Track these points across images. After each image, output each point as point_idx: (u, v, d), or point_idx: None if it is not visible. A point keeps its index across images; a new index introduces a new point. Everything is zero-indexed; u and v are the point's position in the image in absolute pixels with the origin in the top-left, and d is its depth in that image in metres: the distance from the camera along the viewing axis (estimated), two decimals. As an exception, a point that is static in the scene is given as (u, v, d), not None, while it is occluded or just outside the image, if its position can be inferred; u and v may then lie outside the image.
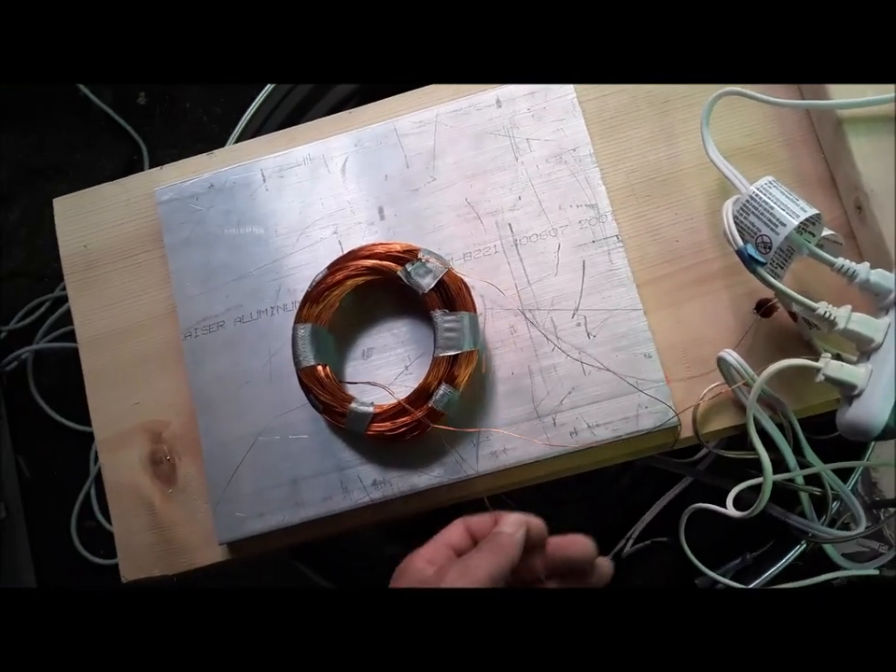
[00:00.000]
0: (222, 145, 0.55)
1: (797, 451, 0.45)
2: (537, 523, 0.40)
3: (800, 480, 0.46)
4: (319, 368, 0.46)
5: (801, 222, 0.40)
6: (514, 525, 0.39)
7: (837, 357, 0.41)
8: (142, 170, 0.54)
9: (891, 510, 0.75)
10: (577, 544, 0.39)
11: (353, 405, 0.46)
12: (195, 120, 1.19)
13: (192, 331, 0.50)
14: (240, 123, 0.62)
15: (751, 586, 0.53)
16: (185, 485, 0.50)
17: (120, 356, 0.52)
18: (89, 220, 0.54)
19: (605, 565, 0.40)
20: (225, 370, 0.49)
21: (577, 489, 0.80)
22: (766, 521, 0.48)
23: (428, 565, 0.38)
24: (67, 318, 1.12)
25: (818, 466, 0.45)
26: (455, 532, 0.40)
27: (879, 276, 0.41)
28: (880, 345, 0.39)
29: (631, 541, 0.68)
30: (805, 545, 0.50)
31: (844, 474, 0.54)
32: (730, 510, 0.44)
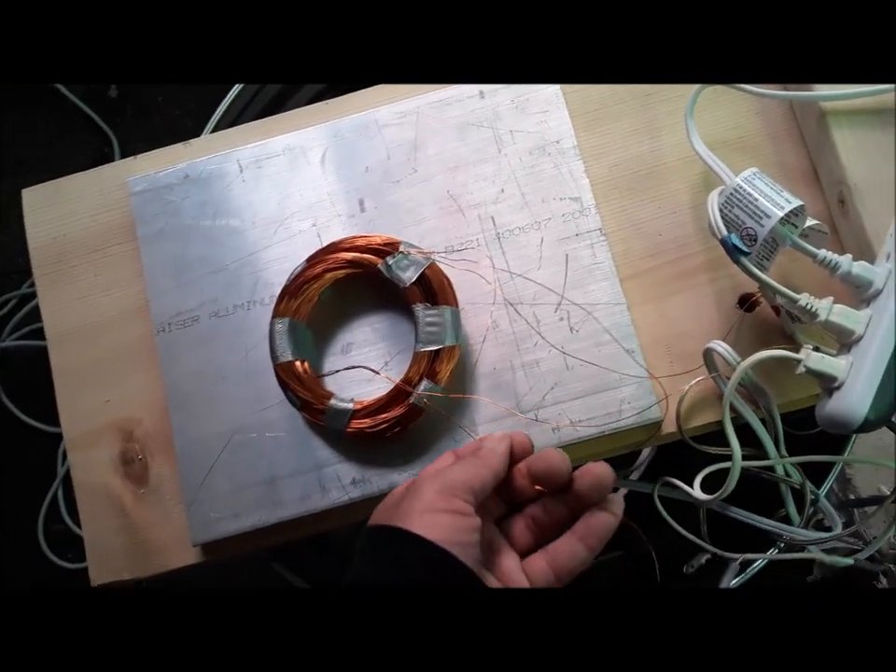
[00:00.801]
0: (195, 137, 0.54)
1: (777, 447, 0.45)
2: (521, 438, 0.40)
3: (780, 472, 0.45)
4: (297, 363, 0.45)
5: (786, 214, 0.40)
6: (497, 439, 0.39)
7: (817, 349, 0.40)
8: (111, 161, 0.53)
9: (866, 509, 0.76)
10: (552, 453, 0.38)
11: (332, 401, 0.44)
12: (168, 114, 1.17)
13: (166, 326, 0.49)
14: (216, 113, 0.60)
15: (731, 584, 0.53)
16: (157, 485, 0.49)
17: (91, 352, 0.50)
18: (59, 212, 0.52)
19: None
20: (200, 366, 0.48)
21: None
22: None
23: (397, 498, 0.37)
24: (34, 316, 1.10)
25: (778, 460, 0.44)
26: (442, 460, 0.40)
27: (861, 268, 0.40)
28: (861, 337, 0.39)
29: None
30: (779, 549, 0.50)
31: (821, 476, 0.54)
32: (696, 491, 0.44)
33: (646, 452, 0.68)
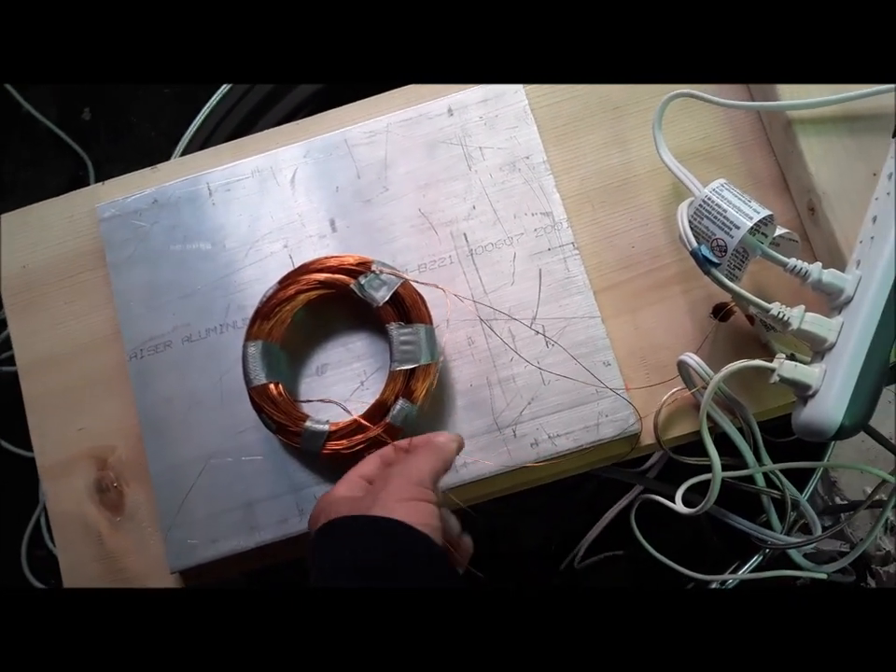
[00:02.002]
0: (170, 159, 0.53)
1: (756, 455, 0.45)
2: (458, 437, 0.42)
3: (761, 482, 0.45)
4: (271, 386, 0.45)
5: (754, 224, 0.40)
6: (448, 435, 0.41)
7: (792, 357, 0.40)
8: (87, 184, 0.52)
9: (850, 512, 0.76)
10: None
11: (307, 423, 0.44)
12: (141, 135, 1.16)
13: (138, 352, 0.48)
14: (185, 136, 0.60)
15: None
16: (133, 513, 0.48)
17: (63, 379, 0.50)
18: (28, 239, 0.52)
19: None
20: (173, 391, 0.47)
21: (539, 498, 0.80)
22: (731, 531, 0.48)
23: (348, 497, 0.38)
24: (7, 342, 1.08)
25: (757, 469, 0.44)
26: (369, 464, 0.41)
27: (831, 276, 0.41)
28: (834, 345, 0.39)
29: (580, 554, 0.67)
30: (764, 554, 0.50)
31: (805, 479, 0.54)
32: (678, 505, 0.44)
33: (657, 455, 0.67)
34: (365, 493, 0.38)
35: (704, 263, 0.41)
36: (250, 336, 0.45)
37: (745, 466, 0.45)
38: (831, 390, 0.39)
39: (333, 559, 0.35)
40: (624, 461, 0.49)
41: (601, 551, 0.73)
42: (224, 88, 0.63)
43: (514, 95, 0.50)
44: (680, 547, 0.56)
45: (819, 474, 0.53)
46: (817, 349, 0.41)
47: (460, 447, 0.41)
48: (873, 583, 0.79)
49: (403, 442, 0.42)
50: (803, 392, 0.40)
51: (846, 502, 0.79)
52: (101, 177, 1.12)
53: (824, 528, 0.48)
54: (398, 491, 0.36)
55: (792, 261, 0.41)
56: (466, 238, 0.48)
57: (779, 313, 0.40)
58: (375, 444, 0.44)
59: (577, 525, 0.78)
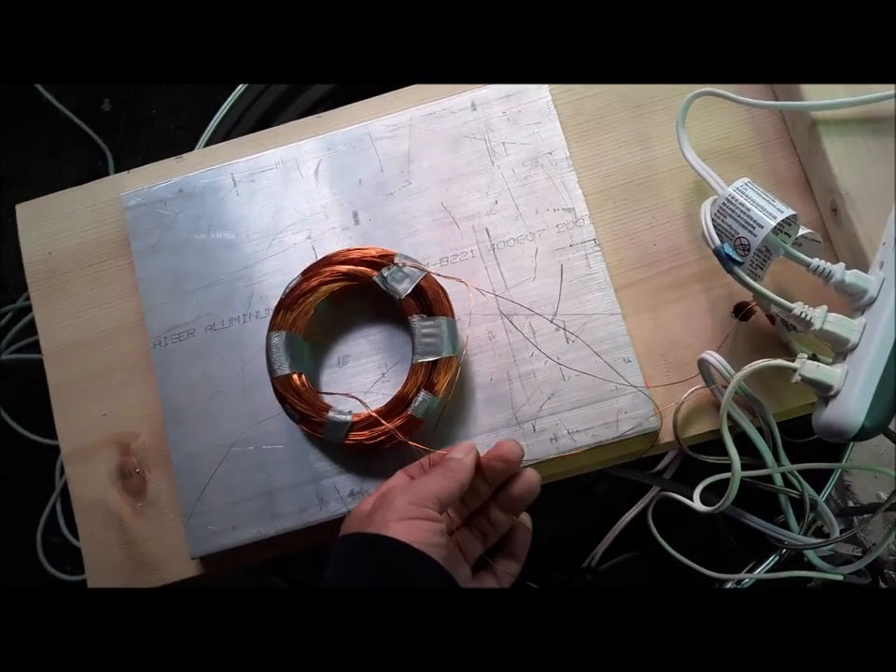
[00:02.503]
0: (189, 151, 0.54)
1: (775, 455, 0.45)
2: (507, 448, 0.43)
3: (779, 482, 0.46)
4: (295, 376, 0.45)
5: (778, 223, 0.40)
6: (464, 450, 0.42)
7: (813, 357, 0.40)
8: (106, 175, 0.53)
9: (864, 515, 0.75)
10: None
11: (330, 414, 0.44)
12: (161, 127, 1.17)
13: (161, 340, 0.49)
14: (209, 127, 0.60)
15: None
16: (155, 499, 0.48)
17: (87, 366, 0.50)
18: (53, 227, 0.52)
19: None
20: (196, 379, 0.48)
21: (552, 497, 0.80)
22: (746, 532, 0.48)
23: (363, 511, 0.40)
24: (30, 329, 1.09)
25: (776, 469, 0.44)
26: (395, 481, 0.42)
27: (854, 277, 0.41)
28: (856, 346, 0.39)
29: (598, 556, 0.67)
30: (780, 554, 0.50)
31: (821, 481, 0.54)
32: (696, 503, 0.44)
33: (670, 455, 0.67)
34: (365, 511, 0.40)
35: (727, 262, 0.41)
36: (274, 326, 0.46)
37: (763, 466, 0.45)
38: (852, 391, 0.39)
39: (334, 573, 0.37)
40: (639, 462, 0.49)
41: (616, 550, 0.73)
42: (239, 90, 0.63)
43: (537, 91, 0.50)
44: (696, 546, 0.56)
45: (837, 476, 0.53)
46: (839, 350, 0.41)
47: (476, 458, 0.42)
48: (885, 587, 0.79)
49: (426, 460, 0.43)
50: (824, 392, 0.40)
51: (859, 505, 0.79)
52: (120, 169, 1.13)
53: (840, 531, 0.48)
54: (396, 510, 0.37)
55: (816, 261, 0.41)
56: (488, 233, 0.48)
57: (802, 312, 0.40)
58: (397, 436, 0.44)
59: (590, 526, 0.78)
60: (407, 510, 0.37)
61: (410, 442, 0.44)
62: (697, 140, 0.49)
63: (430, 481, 0.39)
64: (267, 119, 0.66)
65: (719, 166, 0.47)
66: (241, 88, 0.64)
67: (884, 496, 0.76)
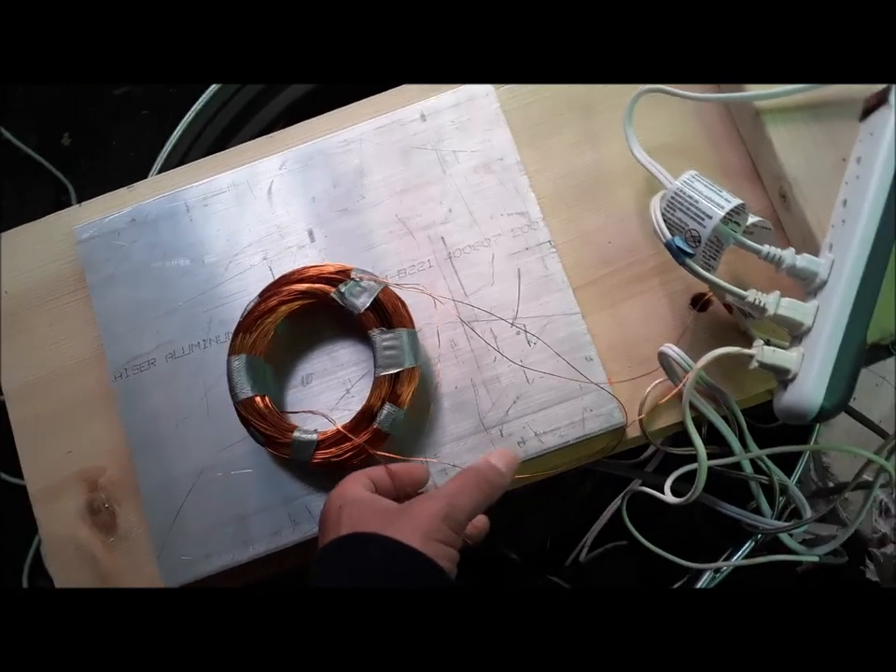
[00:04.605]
0: (141, 180, 0.53)
1: (742, 442, 0.45)
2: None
3: (748, 469, 0.46)
4: (258, 399, 0.45)
5: (726, 213, 0.41)
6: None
7: (769, 342, 0.41)
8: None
9: (838, 495, 0.76)
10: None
11: (296, 434, 0.44)
12: (122, 157, 1.16)
13: (122, 372, 0.48)
14: (161, 154, 0.60)
15: (707, 581, 0.53)
16: (126, 533, 0.48)
17: (49, 403, 0.50)
18: (8, 265, 0.52)
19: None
20: (160, 408, 0.48)
21: (540, 499, 0.80)
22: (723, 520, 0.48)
23: (370, 500, 0.39)
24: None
25: (743, 455, 0.44)
26: (377, 470, 0.42)
27: (805, 261, 0.41)
28: (810, 328, 0.40)
29: (586, 549, 0.68)
30: (756, 540, 0.50)
31: (795, 463, 0.54)
32: (667, 495, 0.44)
33: (652, 447, 0.67)
34: (389, 508, 0.39)
35: (678, 254, 0.41)
36: (234, 350, 0.46)
37: (732, 453, 0.45)
38: (809, 373, 0.39)
39: (354, 569, 0.35)
40: (624, 456, 0.49)
41: (604, 543, 0.73)
42: (197, 106, 0.63)
43: (486, 98, 0.50)
44: (676, 536, 0.57)
45: (807, 458, 0.53)
46: (794, 333, 0.41)
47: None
48: (871, 566, 0.80)
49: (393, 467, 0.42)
50: (782, 377, 0.40)
51: (836, 485, 0.80)
52: (83, 201, 1.13)
53: (815, 512, 0.48)
54: (433, 526, 0.36)
55: (766, 248, 0.42)
56: (444, 241, 0.49)
57: (755, 299, 0.41)
58: (364, 451, 0.44)
59: (579, 523, 0.79)
60: (441, 531, 0.36)
61: (378, 453, 0.44)
62: (646, 137, 0.49)
63: (468, 497, 0.38)
64: (221, 141, 0.66)
65: (668, 161, 0.48)
66: (192, 113, 0.64)
67: (865, 475, 0.77)
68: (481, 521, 0.43)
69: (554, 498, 0.80)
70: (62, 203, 1.16)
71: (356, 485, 0.40)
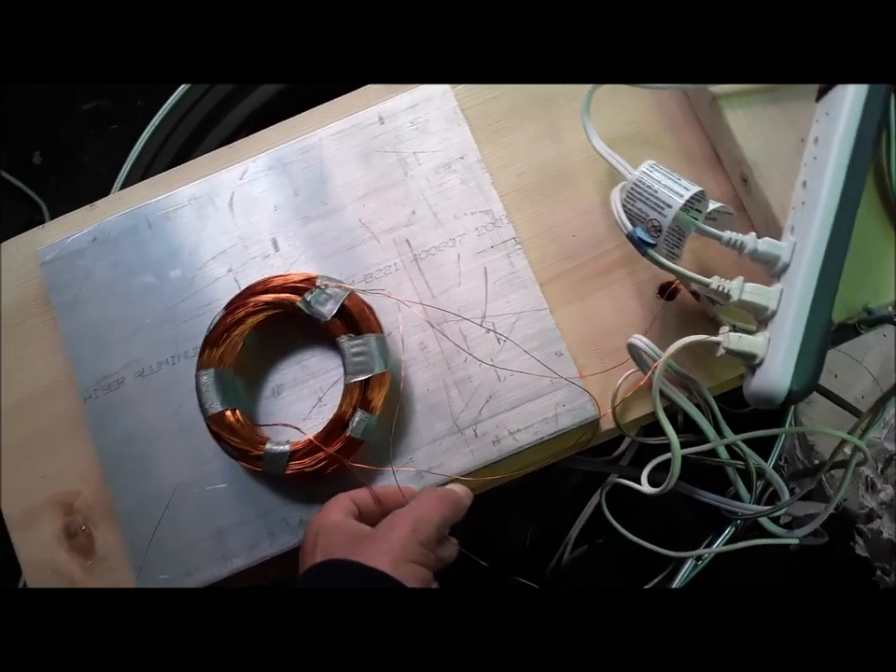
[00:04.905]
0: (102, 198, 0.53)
1: (717, 429, 0.45)
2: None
3: (723, 455, 0.46)
4: (228, 413, 0.44)
5: (686, 201, 0.41)
6: (465, 489, 0.43)
7: (734, 328, 0.41)
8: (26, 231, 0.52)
9: (832, 473, 0.76)
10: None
11: (268, 446, 0.44)
12: (94, 172, 1.15)
13: (92, 393, 0.48)
14: (122, 170, 0.60)
15: (689, 569, 0.53)
16: (105, 555, 0.47)
17: (20, 429, 0.49)
18: (-28, 290, 0.51)
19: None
20: (132, 428, 0.47)
21: (524, 499, 0.80)
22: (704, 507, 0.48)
23: (344, 527, 0.39)
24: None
25: (718, 442, 0.44)
26: (361, 493, 0.43)
27: (767, 245, 0.41)
28: (775, 312, 0.40)
29: (570, 547, 0.68)
30: (736, 525, 0.50)
31: (772, 447, 0.54)
32: (644, 486, 0.44)
33: (627, 440, 0.68)
34: (360, 533, 0.39)
35: (640, 245, 0.41)
36: (201, 365, 0.45)
37: (707, 440, 0.45)
38: (776, 357, 0.39)
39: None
40: (602, 450, 0.49)
41: (588, 541, 0.73)
42: (157, 119, 0.63)
43: (443, 98, 0.50)
44: (658, 526, 0.57)
45: (791, 438, 0.53)
46: (760, 318, 0.41)
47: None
48: (860, 542, 0.80)
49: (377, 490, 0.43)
50: (750, 362, 0.40)
51: (820, 464, 0.80)
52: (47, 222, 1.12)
53: (796, 494, 0.48)
54: (402, 548, 0.36)
55: (727, 234, 0.41)
56: (409, 244, 0.48)
57: (719, 286, 0.41)
58: (337, 460, 0.44)
59: (566, 519, 0.79)
60: (412, 551, 0.36)
61: (350, 464, 0.44)
62: (606, 127, 0.49)
63: (433, 511, 0.39)
64: (185, 152, 0.65)
65: (630, 151, 0.47)
66: (152, 126, 0.63)
67: (849, 451, 0.77)
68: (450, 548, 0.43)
69: (540, 495, 0.80)
70: (35, 221, 1.15)
71: (333, 511, 0.41)
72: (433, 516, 0.39)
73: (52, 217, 1.12)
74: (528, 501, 0.80)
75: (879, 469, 0.76)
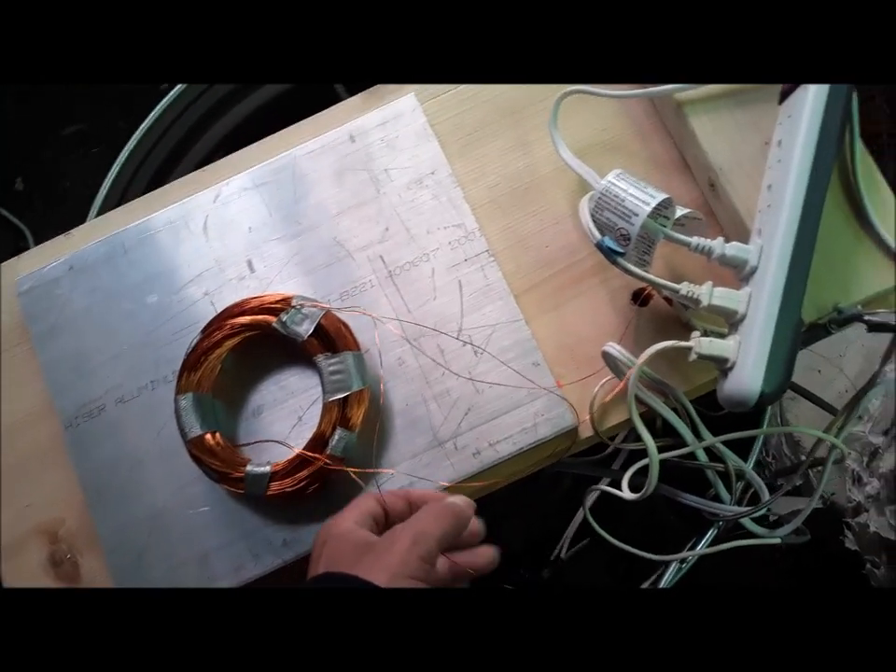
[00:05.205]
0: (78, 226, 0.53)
1: (696, 433, 0.46)
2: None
3: (702, 458, 0.46)
4: (208, 436, 0.45)
5: (652, 209, 0.41)
6: (466, 499, 0.41)
7: (706, 332, 0.41)
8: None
9: (818, 468, 0.76)
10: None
11: (249, 468, 0.44)
12: (77, 197, 1.16)
13: (73, 421, 0.48)
14: (98, 196, 0.60)
15: (674, 572, 0.53)
16: (90, 581, 0.47)
17: (4, 459, 0.49)
18: (-49, 322, 0.51)
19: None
20: (113, 454, 0.47)
21: (517, 501, 0.80)
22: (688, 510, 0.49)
23: (353, 537, 0.38)
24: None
25: (696, 445, 0.45)
26: (371, 503, 0.41)
27: (734, 249, 0.41)
28: (745, 316, 0.40)
29: (565, 548, 0.68)
30: (718, 527, 0.51)
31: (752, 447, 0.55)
32: (625, 492, 0.44)
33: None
34: (364, 545, 0.38)
35: (609, 254, 0.42)
36: (180, 389, 0.45)
37: (686, 444, 0.46)
38: (747, 360, 0.39)
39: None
40: (591, 452, 0.49)
41: (583, 541, 0.74)
42: (133, 141, 0.63)
43: (412, 114, 0.50)
44: (644, 529, 0.57)
45: (763, 440, 0.53)
46: (730, 322, 0.42)
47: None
48: (850, 535, 0.80)
49: (401, 492, 0.42)
50: (722, 366, 0.40)
51: (805, 460, 0.80)
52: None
53: (773, 495, 0.49)
54: (401, 562, 0.35)
55: (695, 240, 0.42)
56: (383, 260, 0.49)
57: (688, 292, 0.41)
58: (317, 478, 0.44)
59: (557, 522, 0.79)
60: (411, 566, 0.36)
61: (347, 469, 0.44)
62: (575, 136, 0.50)
63: (434, 524, 0.38)
64: (161, 176, 0.65)
65: (599, 159, 0.48)
66: (126, 151, 0.63)
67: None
68: (487, 553, 0.42)
69: (532, 499, 0.81)
70: (20, 248, 1.14)
71: (345, 519, 0.39)
72: (434, 530, 0.37)
73: (36, 243, 1.13)
74: (521, 506, 0.80)
75: (865, 463, 0.77)
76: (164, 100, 0.69)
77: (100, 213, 0.61)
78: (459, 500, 0.40)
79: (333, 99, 0.54)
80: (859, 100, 0.44)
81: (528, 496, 0.80)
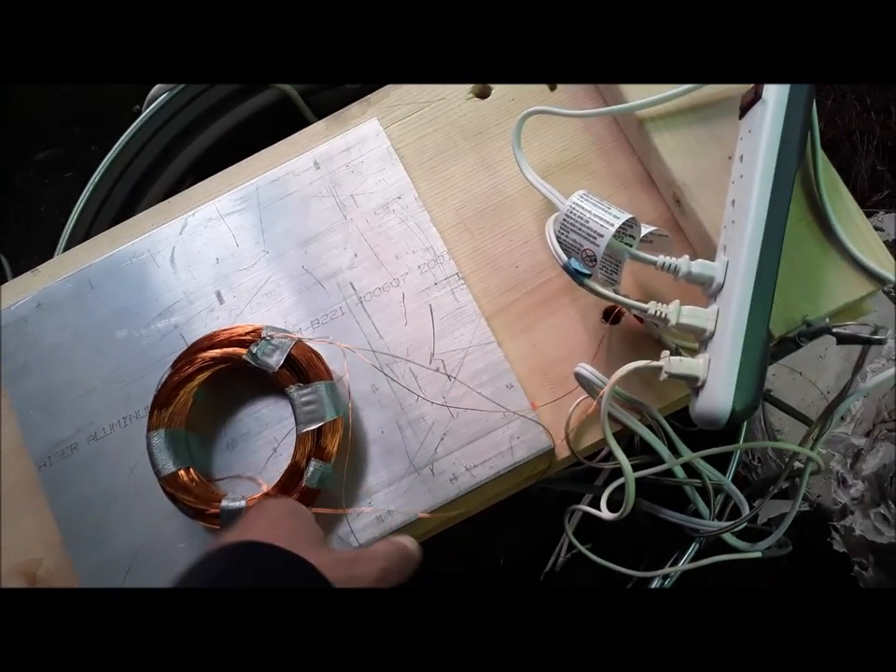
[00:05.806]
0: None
1: (673, 449, 0.46)
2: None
3: (680, 474, 0.46)
4: (181, 473, 0.44)
5: (616, 230, 0.41)
6: (409, 540, 0.40)
7: (677, 349, 0.41)
8: (4, 282, 0.52)
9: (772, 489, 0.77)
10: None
11: (223, 503, 0.44)
12: (52, 222, 1.15)
13: (46, 461, 0.47)
14: (65, 231, 0.60)
15: (658, 586, 0.53)
16: (69, 623, 0.47)
17: (-23, 501, 0.49)
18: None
19: None
20: (88, 492, 0.47)
21: (508, 514, 0.80)
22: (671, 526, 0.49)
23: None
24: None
25: (673, 462, 0.45)
26: None
27: (700, 267, 0.41)
28: (713, 333, 0.40)
29: (560, 559, 0.68)
30: (700, 542, 0.51)
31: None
32: (604, 512, 0.44)
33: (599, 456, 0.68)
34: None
35: (576, 276, 0.42)
36: (151, 426, 0.45)
37: (663, 461, 0.46)
38: (717, 378, 0.39)
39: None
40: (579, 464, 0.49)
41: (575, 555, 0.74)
42: (97, 175, 0.63)
43: (376, 139, 0.50)
44: (629, 543, 0.57)
45: (738, 456, 0.54)
46: (700, 339, 0.42)
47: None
48: (837, 538, 0.80)
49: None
50: (692, 384, 0.40)
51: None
52: (17, 272, 1.11)
53: (754, 507, 0.49)
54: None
55: (660, 259, 0.42)
56: (353, 287, 0.48)
57: (657, 311, 0.41)
58: (293, 511, 0.43)
59: (549, 533, 0.79)
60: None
61: (314, 510, 0.43)
62: (539, 156, 0.50)
63: (377, 567, 0.37)
64: (130, 206, 0.65)
65: (564, 178, 0.48)
66: (93, 182, 0.63)
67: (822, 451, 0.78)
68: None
69: (523, 511, 0.81)
70: (-3, 276, 1.14)
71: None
72: (372, 572, 0.37)
73: (13, 268, 1.12)
74: (513, 517, 0.80)
75: (849, 465, 0.77)
76: (134, 123, 0.69)
77: (70, 239, 0.61)
78: (407, 541, 0.40)
79: (301, 124, 0.54)
80: (831, 98, 0.44)
81: (519, 509, 0.80)
